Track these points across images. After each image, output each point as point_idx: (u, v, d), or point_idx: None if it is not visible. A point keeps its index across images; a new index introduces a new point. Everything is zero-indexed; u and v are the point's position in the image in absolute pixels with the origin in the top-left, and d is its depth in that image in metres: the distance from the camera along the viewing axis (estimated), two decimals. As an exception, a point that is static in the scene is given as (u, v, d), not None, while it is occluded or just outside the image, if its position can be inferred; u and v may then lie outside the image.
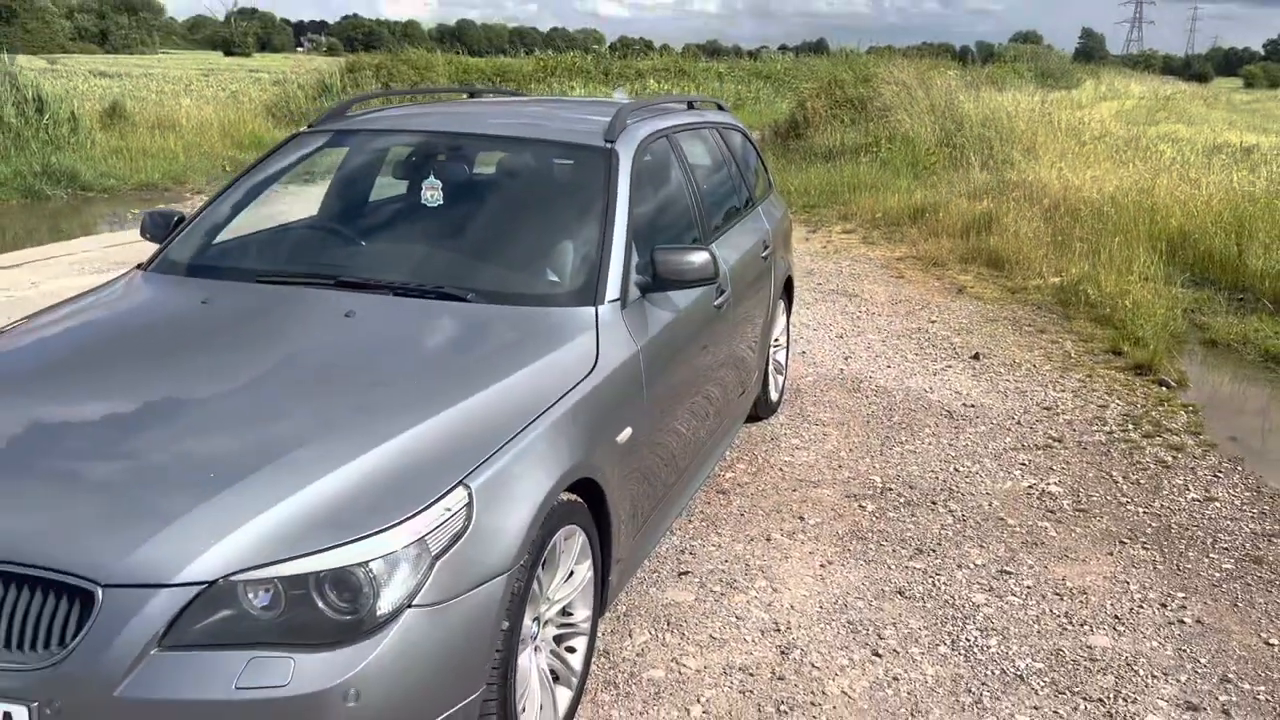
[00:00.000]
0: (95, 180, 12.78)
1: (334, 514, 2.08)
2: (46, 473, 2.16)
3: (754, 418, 5.09)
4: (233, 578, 1.97)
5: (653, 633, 3.26)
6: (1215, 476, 4.76)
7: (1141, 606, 3.57)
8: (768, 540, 3.93)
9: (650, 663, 3.10)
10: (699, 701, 2.93)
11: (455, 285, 3.06)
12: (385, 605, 2.03)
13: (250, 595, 1.99)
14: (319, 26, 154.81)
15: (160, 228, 3.63)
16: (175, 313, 2.98)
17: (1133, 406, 5.67)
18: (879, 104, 17.14)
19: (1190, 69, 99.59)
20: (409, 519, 2.10)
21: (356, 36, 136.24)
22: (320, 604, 2.01)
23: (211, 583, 1.96)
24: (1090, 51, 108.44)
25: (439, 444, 2.31)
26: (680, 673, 3.06)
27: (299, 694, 1.93)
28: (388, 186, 3.90)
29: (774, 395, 5.24)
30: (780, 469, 4.63)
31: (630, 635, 3.24)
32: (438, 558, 2.11)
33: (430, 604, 2.08)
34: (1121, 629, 3.42)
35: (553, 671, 2.65)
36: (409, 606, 2.06)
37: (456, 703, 2.16)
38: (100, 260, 8.76)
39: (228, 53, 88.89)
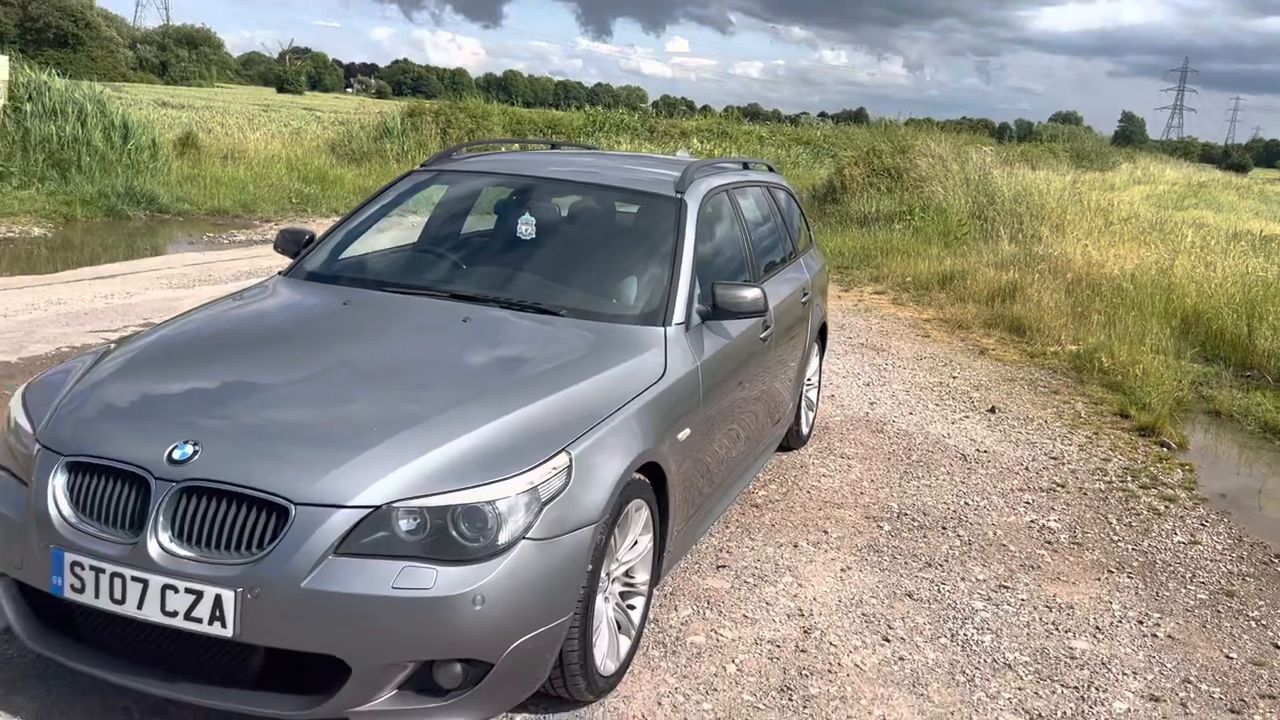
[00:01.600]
0: (172, 204, 13.62)
1: (469, 463, 2.68)
2: (255, 417, 2.78)
3: (785, 447, 5.66)
4: (392, 505, 2.56)
5: (695, 609, 3.82)
6: (1202, 524, 5.27)
7: (1121, 621, 4.08)
8: (795, 546, 4.48)
9: (693, 631, 3.65)
10: (734, 662, 3.47)
11: (549, 303, 3.68)
12: (505, 536, 2.62)
13: (401, 521, 2.58)
14: (369, 69, 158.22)
15: (292, 243, 4.28)
16: (324, 309, 3.62)
17: (1133, 462, 6.19)
18: (915, 174, 17.83)
19: (1229, 158, 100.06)
20: (526, 471, 2.69)
21: (405, 81, 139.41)
22: (453, 531, 2.59)
23: (376, 508, 2.55)
24: (1129, 135, 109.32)
25: (547, 419, 2.91)
26: (718, 640, 3.61)
27: (440, 595, 2.51)
28: (484, 220, 4.55)
29: (805, 429, 5.81)
30: (808, 491, 5.18)
31: (676, 609, 3.79)
32: (545, 504, 2.70)
33: (539, 538, 2.66)
34: (1101, 637, 3.93)
35: (617, 622, 3.21)
36: (523, 538, 2.64)
37: (552, 620, 2.73)
38: (181, 276, 9.50)
39: (280, 90, 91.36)
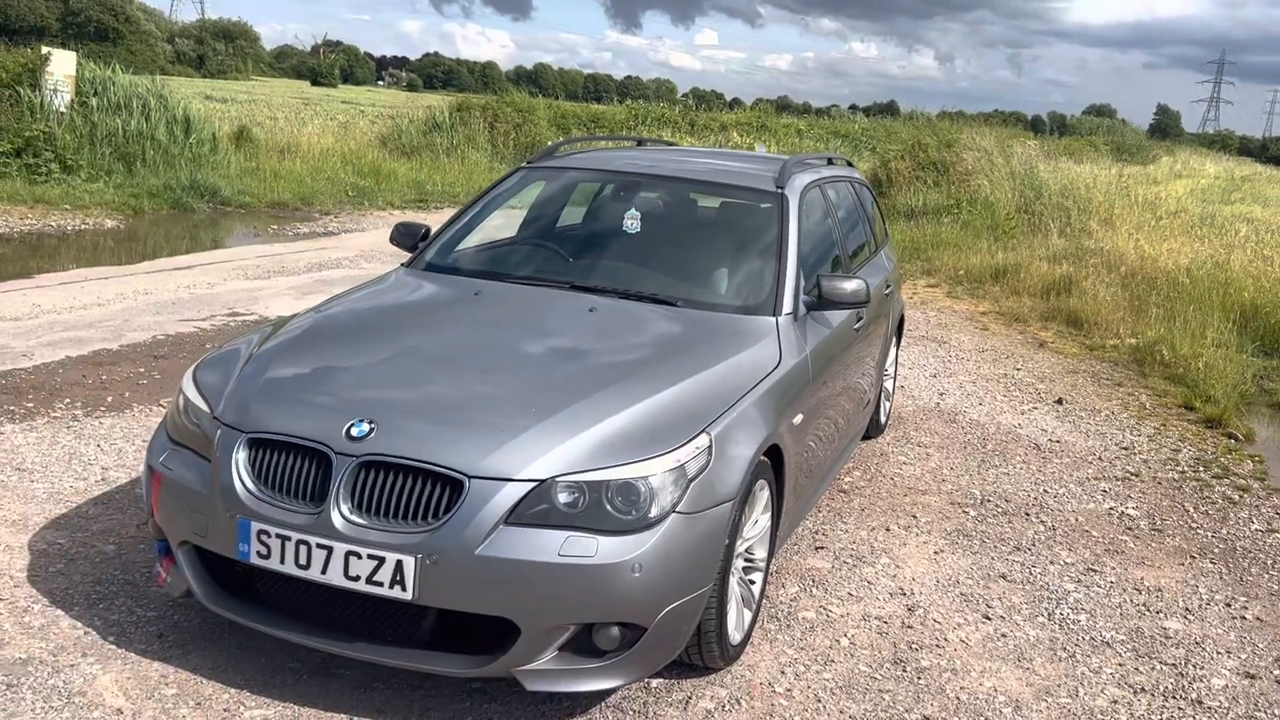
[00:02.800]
0: (233, 196, 13.93)
1: (621, 442, 2.87)
2: (422, 397, 3.00)
3: (865, 435, 5.82)
4: (556, 479, 2.76)
5: (801, 587, 4.00)
6: (1277, 514, 5.38)
7: (1209, 604, 4.22)
8: (887, 530, 4.65)
9: (803, 607, 3.84)
10: (846, 636, 3.65)
11: (666, 294, 3.87)
12: (656, 509, 2.81)
13: (560, 494, 2.77)
14: (400, 62, 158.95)
15: (408, 236, 4.49)
16: (460, 299, 3.83)
17: (1203, 452, 6.30)
18: (961, 168, 17.87)
19: (1267, 151, 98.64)
20: (674, 450, 2.88)
21: (436, 74, 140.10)
22: (608, 505, 2.79)
23: (542, 481, 2.75)
24: (1165, 128, 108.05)
25: (686, 403, 3.10)
26: (828, 616, 3.79)
27: (602, 563, 2.71)
28: (592, 214, 4.74)
29: (883, 418, 5.97)
30: (891, 478, 5.35)
31: (784, 587, 3.98)
32: (691, 480, 2.89)
33: (687, 513, 2.85)
34: (1191, 618, 4.08)
35: (741, 595, 3.39)
36: (673, 512, 2.83)
37: (697, 589, 2.92)
38: (255, 268, 9.77)
39: (314, 82, 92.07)
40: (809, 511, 4.44)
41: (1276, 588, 4.45)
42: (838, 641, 3.61)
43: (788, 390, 3.60)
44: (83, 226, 11.47)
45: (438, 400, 3.01)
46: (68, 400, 5.47)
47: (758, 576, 3.51)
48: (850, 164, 6.04)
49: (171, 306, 7.81)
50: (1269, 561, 4.73)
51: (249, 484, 2.89)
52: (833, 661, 3.47)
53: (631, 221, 4.31)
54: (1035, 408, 6.97)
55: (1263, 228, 14.75)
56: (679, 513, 2.84)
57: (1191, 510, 5.31)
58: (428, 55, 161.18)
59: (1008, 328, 9.69)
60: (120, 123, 14.00)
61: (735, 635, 3.30)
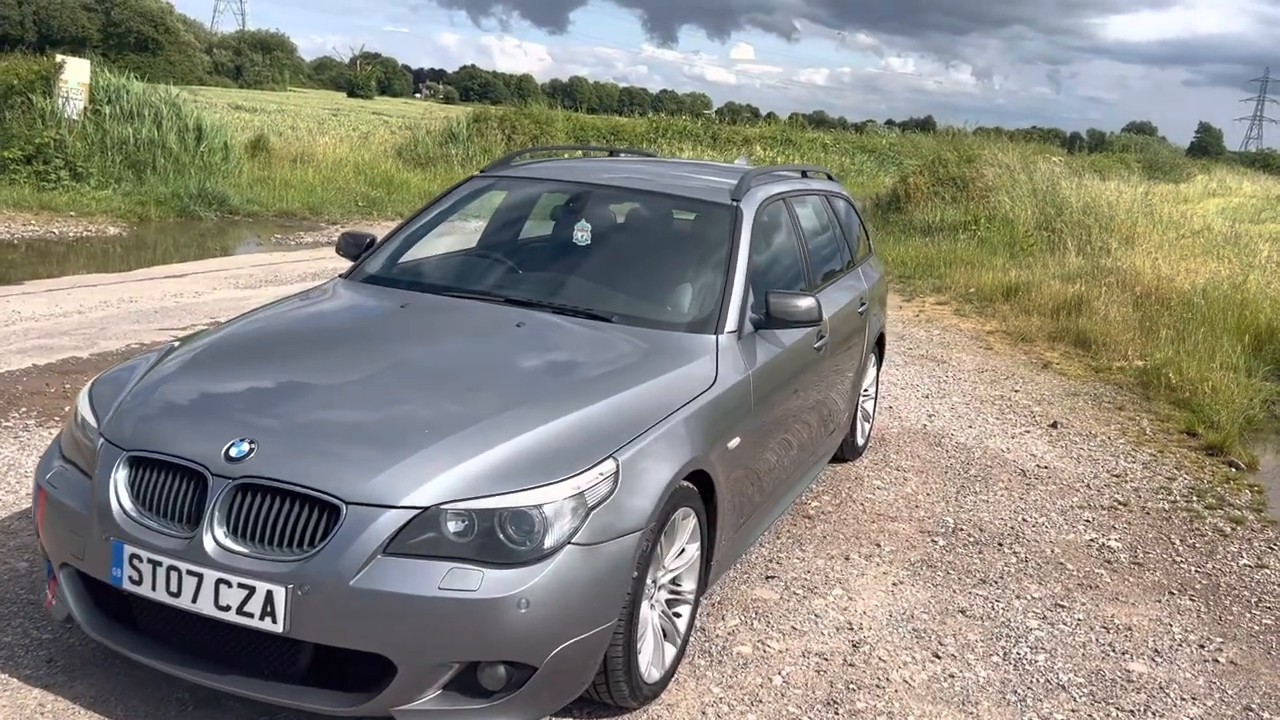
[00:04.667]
0: (242, 205, 13.95)
1: (517, 467, 2.70)
2: (309, 417, 2.84)
3: (840, 459, 5.60)
4: (440, 506, 2.59)
5: (742, 619, 3.80)
6: (1270, 548, 5.11)
7: (1181, 645, 3.97)
8: (846, 559, 4.43)
9: (739, 641, 3.63)
10: (780, 674, 3.45)
11: (601, 309, 3.69)
12: (551, 540, 2.63)
13: (449, 522, 2.60)
14: (437, 75, 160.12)
15: (353, 246, 4.35)
16: (382, 312, 3.68)
17: (1199, 481, 6.02)
18: (981, 184, 17.57)
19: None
20: (573, 476, 2.70)
21: (473, 87, 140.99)
22: (500, 535, 2.61)
23: (425, 509, 2.58)
24: (1206, 146, 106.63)
25: (595, 425, 2.92)
26: (765, 651, 3.59)
27: (485, 598, 2.53)
28: (541, 226, 4.59)
29: (860, 440, 5.75)
30: (861, 504, 5.13)
31: (723, 619, 3.78)
32: (591, 509, 2.71)
33: (584, 544, 2.67)
34: (1159, 660, 3.83)
35: (663, 629, 3.20)
36: (568, 543, 2.65)
37: (596, 626, 2.73)
38: (248, 276, 9.72)
39: (350, 94, 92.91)
40: (757, 538, 4.24)
41: (1257, 629, 4.19)
42: (769, 680, 3.41)
43: (723, 412, 3.41)
44: (85, 233, 11.49)
45: (327, 419, 2.85)
46: (24, 409, 5.39)
47: (685, 609, 3.32)
48: (830, 177, 5.85)
49: (153, 315, 7.75)
50: (1253, 599, 4.47)
51: (126, 504, 2.75)
52: (760, 702, 3.27)
53: (581, 234, 4.14)
54: (1028, 431, 6.72)
55: (1288, 247, 14.34)
56: (575, 544, 2.67)
57: (1177, 543, 5.05)
58: (465, 68, 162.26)
59: (1013, 347, 9.42)
60: (131, 130, 14.06)
61: (653, 673, 3.11)
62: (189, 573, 2.60)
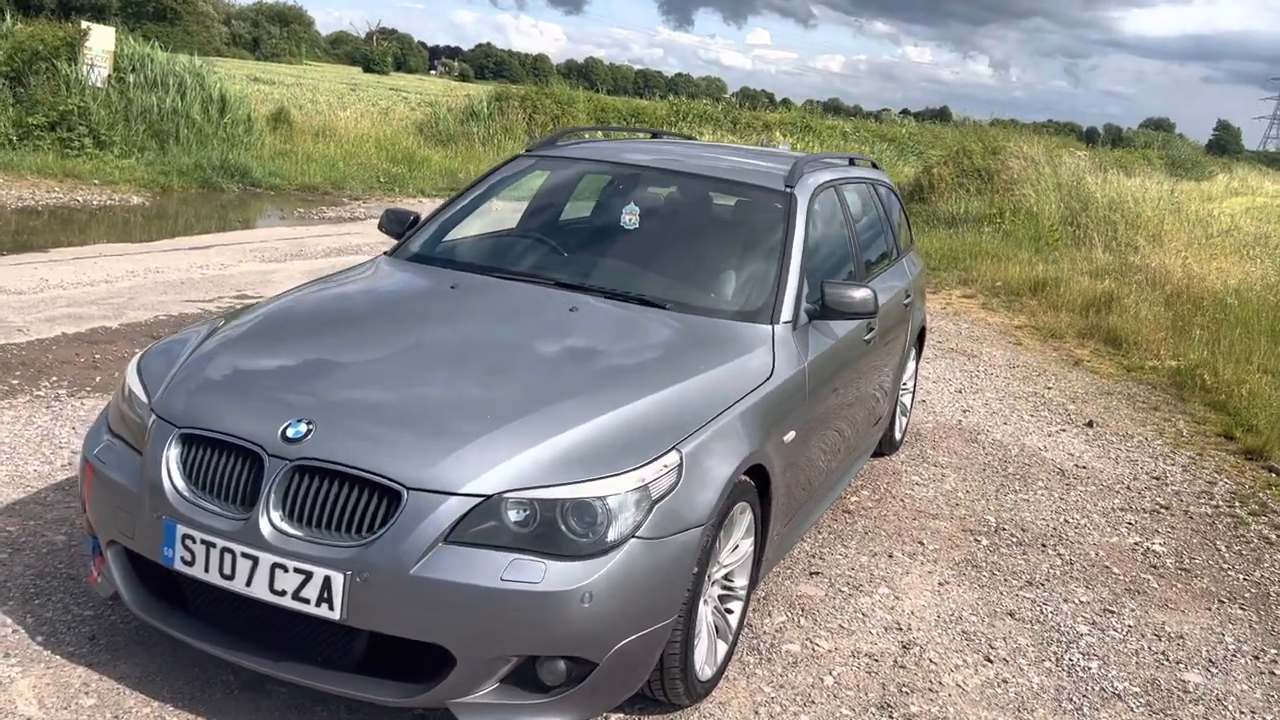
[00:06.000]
0: (264, 178, 13.86)
1: (581, 457, 2.62)
2: (368, 398, 2.76)
3: (878, 453, 5.52)
4: (504, 495, 2.51)
5: (789, 616, 3.72)
6: (1317, 557, 5.01)
7: (1235, 655, 3.89)
8: (890, 556, 4.35)
9: (788, 639, 3.56)
10: (831, 674, 3.37)
11: (654, 295, 3.60)
12: (614, 533, 2.55)
13: (509, 511, 2.52)
14: (453, 52, 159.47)
15: (396, 224, 4.27)
16: (433, 292, 3.59)
17: (1241, 486, 5.92)
18: (1006, 177, 17.40)
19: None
20: (638, 468, 2.62)
21: (488, 65, 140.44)
22: (562, 526, 2.53)
23: (488, 497, 2.50)
24: (1224, 144, 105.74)
25: (658, 415, 2.84)
26: (814, 650, 3.51)
27: (549, 590, 2.46)
28: (588, 208, 4.49)
29: (898, 435, 5.66)
30: (901, 500, 5.05)
31: (770, 615, 3.70)
32: (655, 503, 2.63)
33: (648, 538, 2.59)
34: (1214, 670, 3.75)
35: (715, 626, 3.13)
36: (632, 537, 2.57)
37: (657, 622, 2.66)
38: (273, 250, 9.64)
39: (366, 69, 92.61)
40: (804, 534, 4.16)
41: (1311, 641, 4.10)
42: (821, 680, 3.33)
43: (779, 405, 3.32)
44: (109, 202, 11.43)
45: (386, 401, 2.77)
46: (54, 378, 5.33)
47: (736, 606, 3.24)
48: (875, 165, 5.74)
49: (180, 286, 7.68)
50: (1305, 610, 4.38)
51: (179, 483, 2.67)
52: (812, 703, 3.20)
53: (630, 217, 4.05)
54: (1064, 430, 6.62)
55: (1319, 250, 14.18)
56: (640, 537, 2.59)
57: (1223, 549, 4.95)
58: (480, 46, 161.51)
59: (1043, 343, 9.31)
60: (155, 100, 13.98)
61: (705, 670, 3.03)
62: (244, 555, 2.52)
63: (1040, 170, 17.60)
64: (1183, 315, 9.88)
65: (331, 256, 9.55)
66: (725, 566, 3.12)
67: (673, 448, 2.73)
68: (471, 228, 4.33)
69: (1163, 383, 8.18)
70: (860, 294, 3.70)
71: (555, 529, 2.53)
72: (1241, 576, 4.66)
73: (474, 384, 2.87)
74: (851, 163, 5.27)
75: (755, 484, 3.15)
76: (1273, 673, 3.79)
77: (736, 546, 3.16)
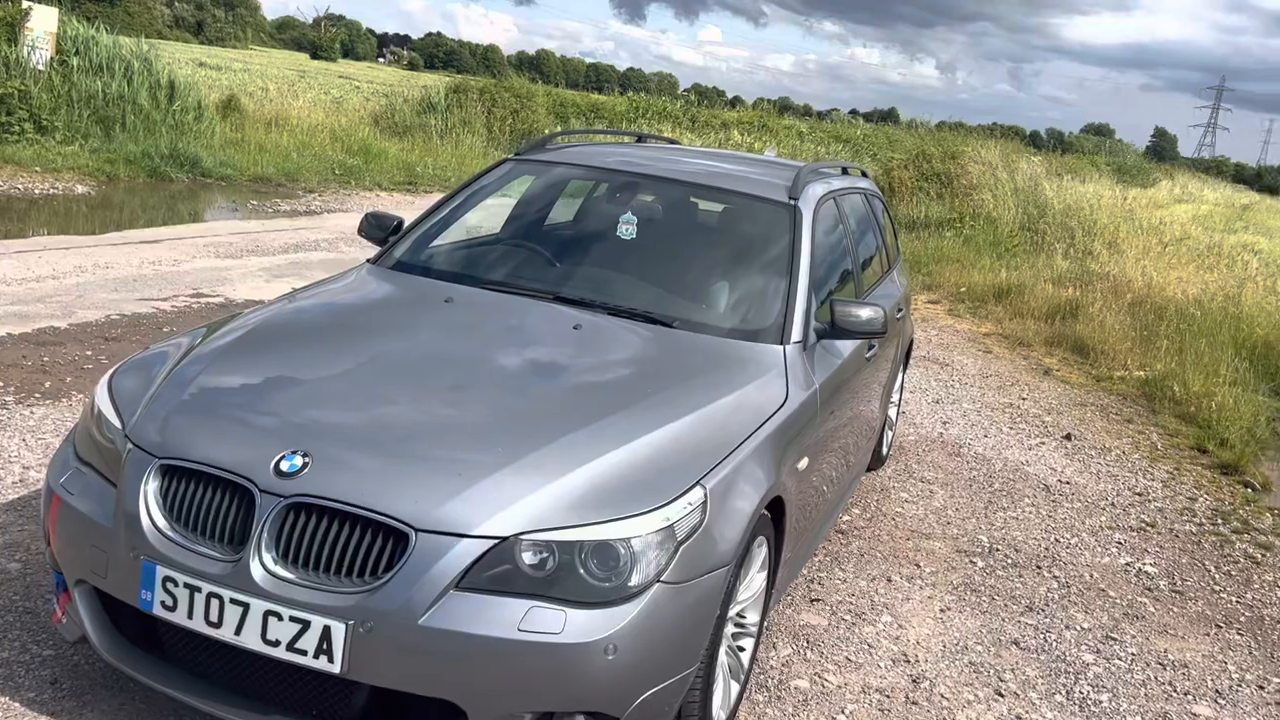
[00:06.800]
0: (215, 168, 13.41)
1: (599, 494, 2.43)
2: (370, 428, 2.54)
3: (866, 468, 5.39)
4: (520, 537, 2.32)
5: (795, 649, 3.57)
6: (1303, 578, 4.99)
7: (1240, 685, 3.82)
8: (888, 580, 4.22)
9: (795, 674, 3.41)
10: (843, 713, 3.23)
11: (661, 312, 3.42)
12: (637, 578, 2.37)
13: (526, 554, 2.33)
14: (401, 40, 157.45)
15: (377, 229, 4.03)
16: (428, 307, 3.35)
17: (1220, 503, 5.91)
18: (965, 181, 17.48)
19: (1261, 180, 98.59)
20: (662, 506, 2.44)
21: (438, 54, 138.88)
22: (581, 570, 2.34)
23: (504, 539, 2.31)
24: (1161, 151, 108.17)
25: (678, 447, 2.66)
26: (823, 686, 3.36)
27: (570, 642, 2.27)
28: (580, 215, 4.30)
29: (884, 449, 5.55)
30: (893, 519, 4.93)
31: (775, 648, 3.55)
32: (680, 544, 2.45)
33: (674, 582, 2.41)
34: (1223, 702, 3.67)
35: (729, 665, 2.96)
36: (657, 581, 2.39)
37: (680, 671, 2.48)
38: (228, 245, 9.28)
39: (314, 56, 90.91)
40: (807, 561, 4.02)
41: (1311, 668, 4.05)
42: (834, 719, 3.18)
43: (793, 432, 3.16)
44: (51, 191, 10.95)
45: (388, 430, 2.55)
46: (0, 384, 5.00)
47: (748, 643, 3.08)
48: (865, 174, 5.61)
49: (131, 283, 7.33)
50: (1300, 635, 4.33)
51: (159, 520, 2.44)
52: (828, 745, 3.05)
53: (627, 227, 3.86)
54: (1043, 443, 6.56)
55: (1271, 261, 14.42)
56: (664, 582, 2.41)
57: (1213, 570, 4.91)
58: (430, 35, 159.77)
59: (1011, 351, 9.29)
60: (101, 84, 13.46)
61: (720, 715, 2.86)
62: (232, 601, 2.30)
63: (998, 175, 17.73)
64: (1147, 325, 9.93)
65: (290, 253, 9.22)
66: (740, 604, 2.96)
67: (697, 483, 2.55)
68: (454, 232, 4.11)
69: (1133, 393, 8.20)
70: (869, 312, 3.56)
71: (574, 573, 2.34)
72: (1234, 599, 4.61)
73: (483, 412, 2.67)
74: (844, 171, 5.13)
75: (771, 515, 2.99)
76: (1278, 703, 3.72)
77: (751, 582, 3.00)
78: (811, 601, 3.94)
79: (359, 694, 2.36)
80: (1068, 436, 6.77)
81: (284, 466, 2.37)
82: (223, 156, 13.87)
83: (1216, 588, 4.71)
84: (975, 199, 16.94)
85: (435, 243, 3.95)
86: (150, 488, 2.46)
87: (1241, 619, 4.41)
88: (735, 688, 3.01)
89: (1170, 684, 3.75)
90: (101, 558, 2.49)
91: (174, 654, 2.52)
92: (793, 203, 3.90)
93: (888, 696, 3.36)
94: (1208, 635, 4.21)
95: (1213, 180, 52.43)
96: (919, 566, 4.41)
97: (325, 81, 35.37)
